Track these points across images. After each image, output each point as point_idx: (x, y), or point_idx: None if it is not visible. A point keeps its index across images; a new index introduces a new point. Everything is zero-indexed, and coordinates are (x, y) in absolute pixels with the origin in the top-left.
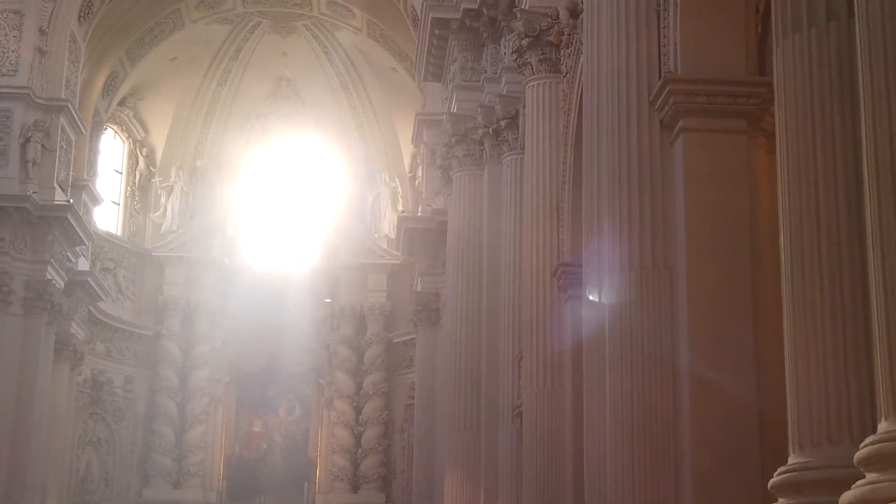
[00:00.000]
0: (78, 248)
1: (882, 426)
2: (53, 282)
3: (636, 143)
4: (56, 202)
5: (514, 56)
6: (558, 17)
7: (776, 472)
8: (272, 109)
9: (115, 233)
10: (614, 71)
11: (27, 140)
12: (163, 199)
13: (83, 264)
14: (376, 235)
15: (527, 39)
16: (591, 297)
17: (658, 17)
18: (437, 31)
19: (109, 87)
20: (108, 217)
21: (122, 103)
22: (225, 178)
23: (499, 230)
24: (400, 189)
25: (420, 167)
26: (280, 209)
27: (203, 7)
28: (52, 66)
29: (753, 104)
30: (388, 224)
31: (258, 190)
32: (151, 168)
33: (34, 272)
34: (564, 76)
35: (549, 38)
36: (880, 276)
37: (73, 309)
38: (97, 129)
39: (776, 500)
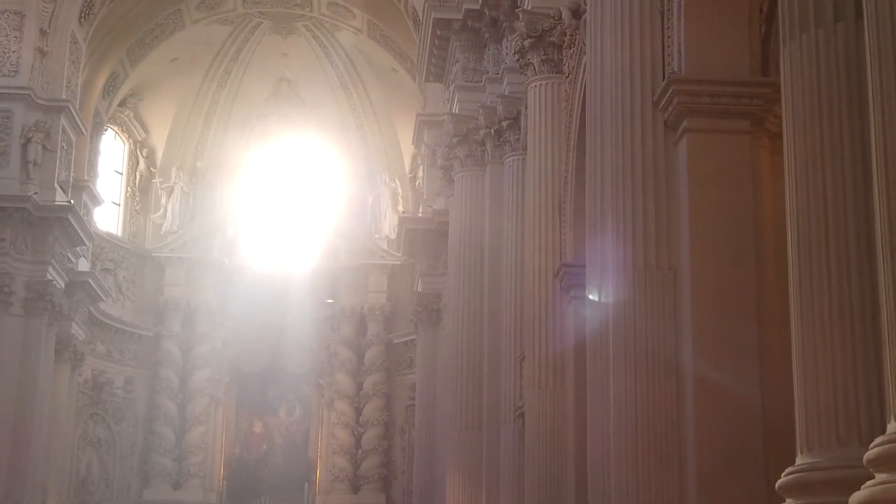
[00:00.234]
0: (78, 249)
1: (891, 426)
2: (54, 282)
3: (640, 144)
4: (57, 203)
5: (516, 56)
6: (560, 18)
7: (784, 473)
8: (272, 110)
9: (115, 233)
10: (618, 71)
11: (28, 141)
12: (163, 200)
13: (84, 265)
14: (377, 236)
15: (529, 40)
16: (594, 298)
17: (662, 17)
18: (438, 32)
19: (110, 88)
20: (108, 218)
21: (122, 104)
22: (225, 179)
23: (501, 231)
24: (400, 190)
25: (420, 168)
26: (280, 210)
27: (203, 8)
28: (53, 67)
29: (757, 105)
30: (388, 225)
31: (258, 191)
32: (152, 169)
33: (35, 273)
34: (567, 77)
35: (551, 38)
36: (889, 274)
37: (74, 309)
38: (98, 130)
39: (783, 501)
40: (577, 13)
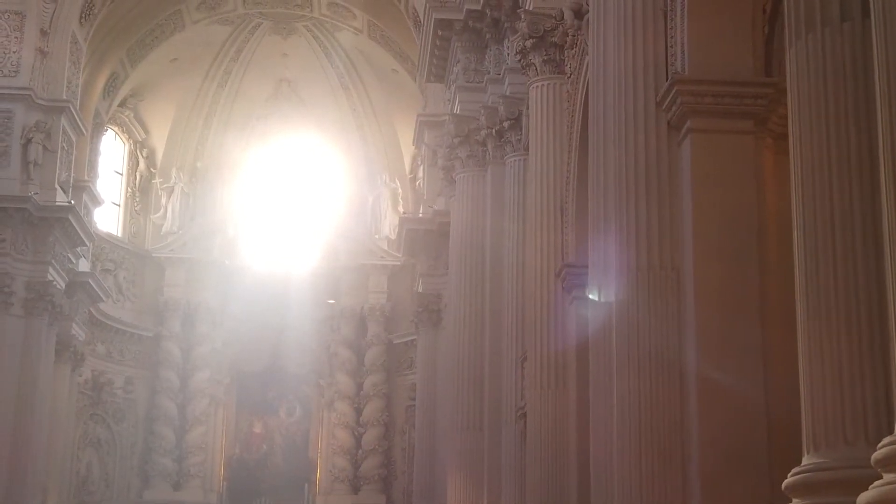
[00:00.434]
0: (79, 249)
1: None
2: (54, 283)
3: (643, 144)
4: (57, 203)
5: (518, 57)
6: (562, 18)
7: (790, 473)
8: (273, 110)
9: (115, 234)
10: (621, 72)
11: (28, 141)
12: (163, 200)
13: (84, 265)
14: (377, 236)
15: (531, 40)
16: (597, 298)
17: (665, 17)
18: (440, 32)
19: (110, 88)
20: (108, 218)
21: (122, 104)
22: (225, 179)
23: (502, 231)
24: (400, 190)
25: (421, 168)
26: (280, 210)
27: (204, 8)
28: (54, 67)
29: (761, 105)
30: (388, 225)
31: (259, 191)
32: (152, 169)
33: (35, 273)
34: (568, 77)
35: (553, 39)
36: None
37: (74, 310)
38: (98, 130)
39: (786, 500)
40: (579, 13)
